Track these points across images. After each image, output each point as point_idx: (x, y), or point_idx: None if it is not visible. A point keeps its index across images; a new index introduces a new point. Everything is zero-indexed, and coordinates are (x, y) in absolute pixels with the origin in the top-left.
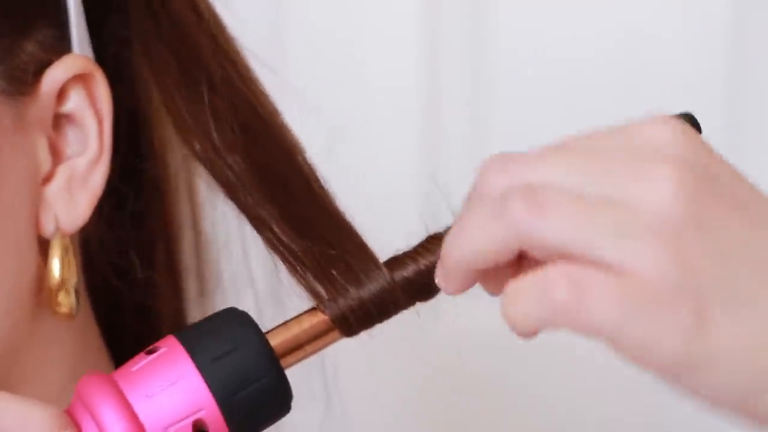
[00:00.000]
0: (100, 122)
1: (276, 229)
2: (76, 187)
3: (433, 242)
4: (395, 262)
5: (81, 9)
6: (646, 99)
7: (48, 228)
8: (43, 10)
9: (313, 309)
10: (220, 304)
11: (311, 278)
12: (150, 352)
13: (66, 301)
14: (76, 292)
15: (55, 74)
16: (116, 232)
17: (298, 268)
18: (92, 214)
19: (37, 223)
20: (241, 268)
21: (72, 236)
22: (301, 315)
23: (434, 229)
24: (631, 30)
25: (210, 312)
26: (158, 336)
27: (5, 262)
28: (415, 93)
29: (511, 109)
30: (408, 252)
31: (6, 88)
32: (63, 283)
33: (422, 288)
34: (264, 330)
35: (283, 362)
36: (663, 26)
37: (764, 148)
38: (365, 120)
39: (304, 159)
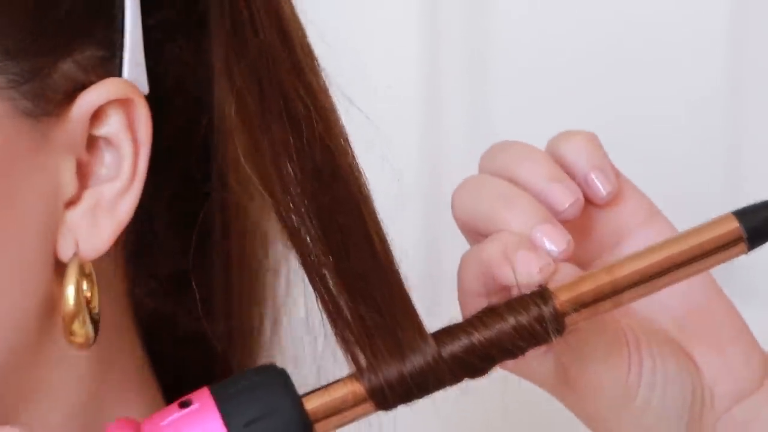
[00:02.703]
0: (136, 150)
1: (329, 283)
2: (101, 214)
3: (488, 315)
4: (446, 334)
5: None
6: (646, 97)
7: (66, 252)
8: (88, 31)
9: (352, 376)
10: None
11: (354, 343)
12: (183, 405)
13: (81, 331)
14: (95, 321)
15: (90, 97)
16: (173, 257)
17: (343, 330)
18: (145, 236)
19: (54, 246)
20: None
21: (108, 261)
22: (339, 381)
23: (432, 228)
24: (632, 25)
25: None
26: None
27: (7, 282)
28: (415, 91)
29: (512, 107)
30: (462, 324)
31: (31, 109)
32: (77, 311)
33: (471, 366)
34: (301, 391)
35: (316, 428)
36: (663, 19)
37: (764, 144)
38: (365, 119)
39: (371, 212)
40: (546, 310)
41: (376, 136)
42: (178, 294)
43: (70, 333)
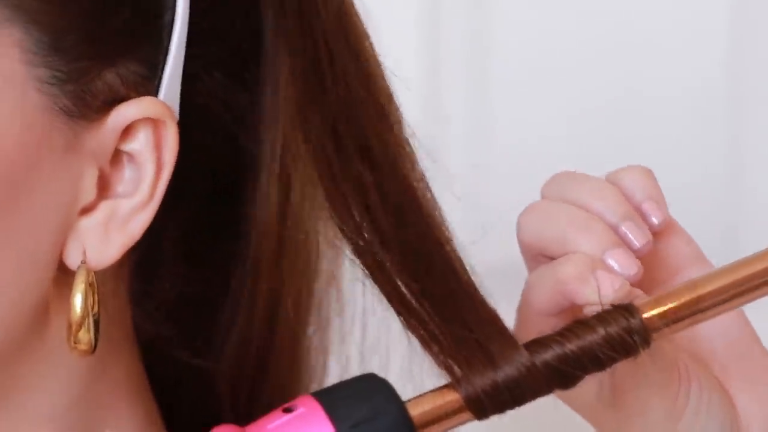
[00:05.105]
0: (158, 170)
1: (417, 308)
2: (113, 227)
3: (578, 326)
4: (538, 344)
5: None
6: (648, 93)
7: (73, 258)
8: (136, 47)
9: (448, 386)
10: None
11: (448, 358)
12: (286, 410)
13: (86, 338)
14: (96, 324)
15: (126, 111)
16: (175, 282)
17: (436, 347)
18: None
19: (61, 249)
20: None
21: (110, 274)
22: (437, 390)
23: None
24: (632, 20)
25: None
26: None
27: (11, 274)
28: (415, 88)
29: (512, 103)
30: (552, 335)
31: (70, 108)
32: (84, 319)
33: (563, 375)
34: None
35: None
36: (663, 14)
37: (765, 134)
38: None
39: (447, 236)
40: (634, 323)
41: None
42: (177, 320)
43: (75, 341)
